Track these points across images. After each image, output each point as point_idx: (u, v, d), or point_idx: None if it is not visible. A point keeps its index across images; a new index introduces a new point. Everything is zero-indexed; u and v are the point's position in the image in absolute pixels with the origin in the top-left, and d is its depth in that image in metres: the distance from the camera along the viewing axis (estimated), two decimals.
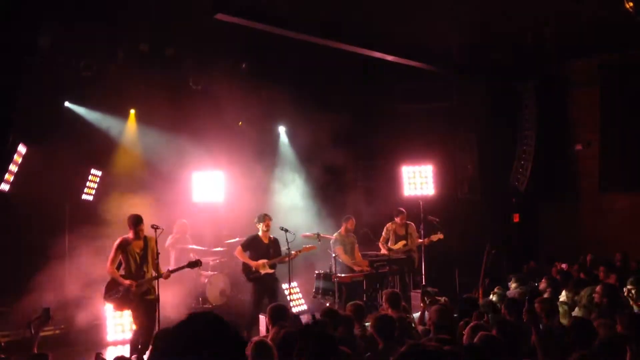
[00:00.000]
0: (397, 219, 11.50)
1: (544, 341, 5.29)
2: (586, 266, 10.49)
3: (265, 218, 9.46)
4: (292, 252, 9.45)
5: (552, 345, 5.10)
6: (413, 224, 11.66)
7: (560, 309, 7.00)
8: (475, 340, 4.57)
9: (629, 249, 11.51)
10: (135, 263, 7.96)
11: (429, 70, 12.81)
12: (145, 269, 8.04)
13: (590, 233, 13.12)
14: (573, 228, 13.48)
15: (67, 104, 11.04)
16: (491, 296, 8.59)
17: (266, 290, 9.26)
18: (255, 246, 9.39)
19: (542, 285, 8.30)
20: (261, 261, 9.27)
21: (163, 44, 10.69)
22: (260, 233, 9.44)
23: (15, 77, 9.57)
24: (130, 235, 7.92)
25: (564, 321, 6.75)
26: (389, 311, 6.56)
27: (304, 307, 11.49)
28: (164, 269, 8.15)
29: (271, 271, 9.37)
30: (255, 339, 5.46)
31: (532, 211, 13.96)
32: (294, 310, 10.52)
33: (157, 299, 7.97)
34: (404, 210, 11.60)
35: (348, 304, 7.03)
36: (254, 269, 9.26)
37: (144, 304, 7.97)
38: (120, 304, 8.00)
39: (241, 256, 9.38)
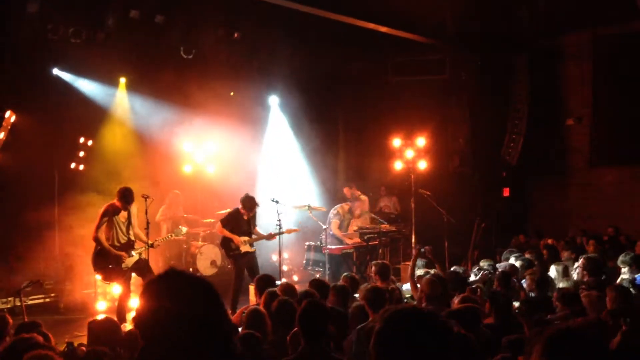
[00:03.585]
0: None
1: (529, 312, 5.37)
2: (574, 242, 10.57)
3: (253, 207, 9.18)
4: (274, 232, 9.39)
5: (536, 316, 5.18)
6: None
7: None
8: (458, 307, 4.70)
9: (618, 223, 11.61)
10: (123, 234, 7.94)
11: (422, 42, 12.71)
12: (133, 238, 8.04)
13: (579, 207, 13.21)
14: (562, 202, 13.57)
15: (55, 71, 10.89)
16: (474, 270, 8.64)
17: (246, 265, 9.11)
18: (235, 222, 9.18)
19: (529, 258, 8.39)
20: (243, 238, 9.10)
21: (153, 11, 10.49)
22: (241, 209, 9.22)
23: (3, 44, 9.43)
24: (117, 203, 7.85)
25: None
26: (379, 283, 6.61)
27: (295, 278, 11.57)
28: (153, 240, 8.15)
29: (252, 249, 9.22)
30: (249, 307, 5.51)
31: (522, 185, 14.03)
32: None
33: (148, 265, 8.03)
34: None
35: (343, 275, 7.07)
36: (233, 245, 9.08)
37: (142, 269, 7.98)
38: (110, 276, 7.96)
39: (222, 232, 9.16)
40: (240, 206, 9.19)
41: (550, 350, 1.97)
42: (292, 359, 3.82)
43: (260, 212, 9.60)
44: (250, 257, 9.19)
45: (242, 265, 9.10)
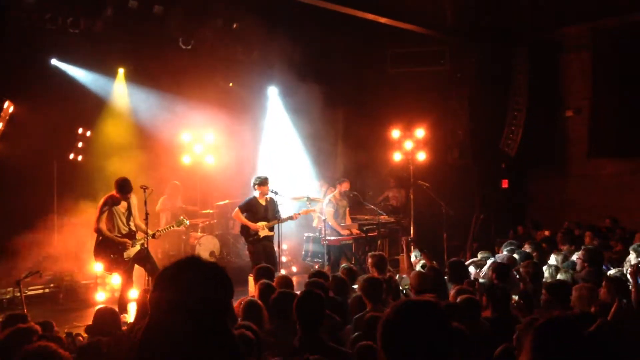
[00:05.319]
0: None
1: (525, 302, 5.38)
2: (571, 233, 10.59)
3: (265, 182, 9.20)
4: (293, 214, 9.59)
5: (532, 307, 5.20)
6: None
7: (547, 272, 7.10)
8: (458, 300, 4.70)
9: (617, 214, 11.63)
10: (124, 225, 7.95)
11: (422, 33, 12.67)
12: (134, 228, 8.06)
13: (578, 199, 13.22)
14: (562, 194, 13.58)
15: (54, 61, 10.86)
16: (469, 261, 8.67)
17: (264, 253, 9.10)
18: (253, 208, 9.21)
19: (527, 250, 8.40)
20: (260, 223, 9.13)
21: (152, 1, 10.45)
22: (257, 195, 9.26)
23: (1, 34, 9.39)
24: (116, 194, 7.87)
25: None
26: (375, 274, 6.62)
27: (294, 269, 11.59)
28: (152, 230, 8.16)
29: (270, 233, 9.25)
30: (245, 298, 5.53)
31: (521, 177, 14.04)
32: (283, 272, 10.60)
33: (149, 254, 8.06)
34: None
35: (341, 267, 7.09)
36: (252, 231, 9.14)
37: (143, 259, 8.00)
38: (112, 266, 7.97)
39: (239, 218, 9.24)
40: (256, 192, 9.23)
41: (539, 340, 2.00)
42: (289, 349, 3.83)
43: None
44: (268, 242, 9.23)
45: (260, 250, 9.12)
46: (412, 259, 8.32)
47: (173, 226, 8.77)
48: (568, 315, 4.10)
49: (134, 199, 8.06)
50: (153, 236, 8.03)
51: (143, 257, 8.07)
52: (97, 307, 5.76)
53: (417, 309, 2.01)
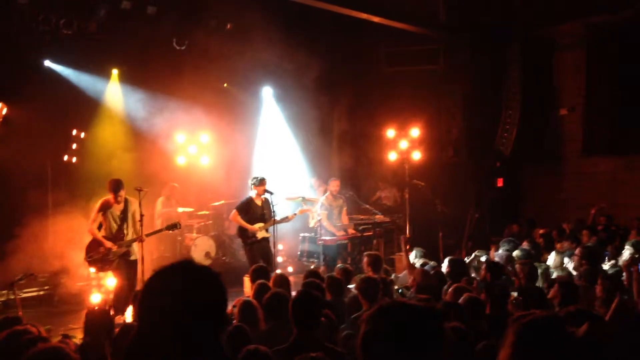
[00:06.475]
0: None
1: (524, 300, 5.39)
2: (566, 231, 10.59)
3: (263, 183, 9.16)
4: (289, 215, 9.60)
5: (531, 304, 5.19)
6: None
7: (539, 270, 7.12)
8: (460, 300, 4.69)
9: (611, 212, 11.64)
10: (115, 224, 8.04)
11: (416, 32, 12.67)
12: (125, 231, 8.09)
13: (573, 197, 13.23)
14: (557, 192, 13.58)
15: (47, 63, 10.81)
16: (468, 258, 8.68)
17: (261, 254, 9.10)
18: (250, 210, 9.20)
19: (525, 247, 8.41)
20: (257, 225, 9.13)
21: (145, 1, 10.41)
22: (254, 196, 9.24)
23: None
24: (110, 198, 7.96)
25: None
26: (371, 274, 6.61)
27: (290, 269, 11.57)
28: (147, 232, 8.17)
29: (268, 235, 9.23)
30: (241, 299, 5.52)
31: (516, 175, 14.04)
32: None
33: (139, 260, 8.04)
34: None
35: (337, 267, 7.09)
36: (250, 233, 9.12)
37: (124, 264, 8.04)
38: (102, 266, 8.06)
39: (237, 220, 9.20)
40: (252, 192, 9.20)
41: (519, 338, 1.93)
42: (284, 348, 3.82)
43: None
44: (266, 243, 9.23)
45: (257, 252, 9.12)
46: (412, 258, 8.32)
47: (163, 229, 8.75)
48: (554, 313, 4.09)
49: (134, 204, 8.10)
50: (135, 240, 8.03)
51: (129, 263, 8.11)
52: (87, 309, 5.72)
53: (390, 313, 1.83)
